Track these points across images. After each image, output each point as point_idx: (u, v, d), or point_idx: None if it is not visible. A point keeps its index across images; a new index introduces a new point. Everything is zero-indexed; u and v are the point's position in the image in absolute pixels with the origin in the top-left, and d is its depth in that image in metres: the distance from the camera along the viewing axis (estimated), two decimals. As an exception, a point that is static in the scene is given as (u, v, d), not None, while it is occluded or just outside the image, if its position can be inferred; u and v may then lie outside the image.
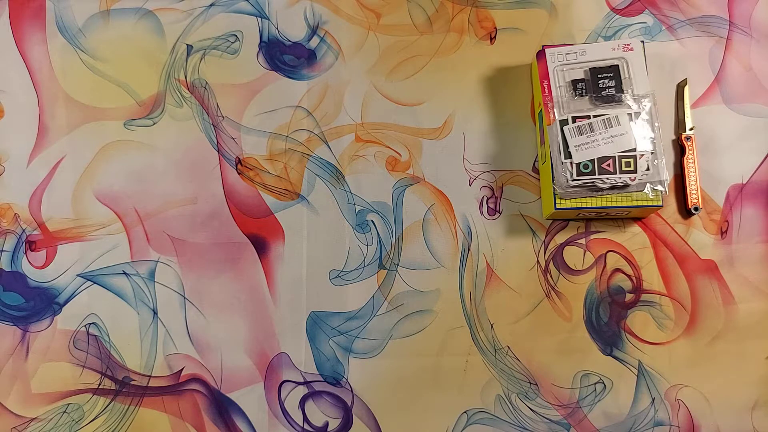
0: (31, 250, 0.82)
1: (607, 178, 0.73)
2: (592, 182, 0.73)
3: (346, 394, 0.79)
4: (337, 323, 0.80)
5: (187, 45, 0.85)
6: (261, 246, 0.81)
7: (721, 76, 0.82)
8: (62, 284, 0.81)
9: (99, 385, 0.79)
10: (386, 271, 0.80)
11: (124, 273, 0.81)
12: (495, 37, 0.84)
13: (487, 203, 0.81)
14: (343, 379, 0.79)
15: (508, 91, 0.83)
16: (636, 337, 0.78)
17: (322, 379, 0.79)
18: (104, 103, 0.84)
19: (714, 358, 0.78)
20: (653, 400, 0.77)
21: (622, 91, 0.75)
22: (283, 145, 0.83)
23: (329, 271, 0.81)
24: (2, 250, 0.82)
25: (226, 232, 0.81)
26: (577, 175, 0.74)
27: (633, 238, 0.80)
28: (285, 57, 0.85)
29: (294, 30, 0.85)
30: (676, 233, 0.79)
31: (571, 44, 0.79)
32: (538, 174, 0.81)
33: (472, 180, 0.81)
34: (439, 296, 0.80)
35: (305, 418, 0.79)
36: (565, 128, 0.74)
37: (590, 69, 0.75)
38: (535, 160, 0.81)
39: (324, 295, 0.80)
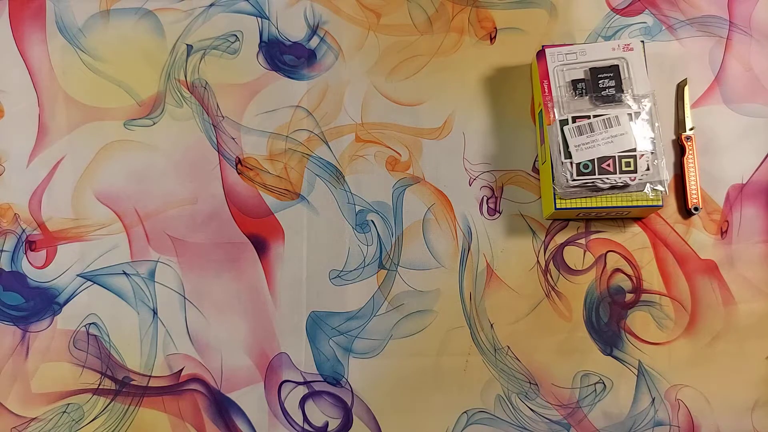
0: (31, 250, 0.82)
1: (607, 178, 0.73)
2: (592, 182, 0.73)
3: (346, 394, 0.79)
4: (337, 323, 0.80)
5: (187, 45, 0.85)
6: (261, 246, 0.81)
7: (721, 76, 0.82)
8: (62, 284, 0.81)
9: (99, 385, 0.79)
10: (386, 271, 0.80)
11: (124, 273, 0.81)
12: (495, 37, 0.84)
13: (487, 203, 0.81)
14: (343, 379, 0.79)
15: (508, 91, 0.83)
16: (636, 337, 0.78)
17: (322, 379, 0.79)
18: (104, 103, 0.84)
19: (714, 358, 0.78)
20: (653, 400, 0.77)
21: (622, 91, 0.75)
22: (283, 145, 0.83)
23: (329, 271, 0.81)
24: (2, 250, 0.82)
25: (226, 232, 0.81)
26: (577, 175, 0.74)
27: (633, 238, 0.80)
28: (285, 57, 0.85)
29: (294, 30, 0.85)
30: (676, 233, 0.79)
31: (571, 44, 0.79)
32: (538, 174, 0.81)
33: (472, 180, 0.81)
34: (439, 296, 0.80)
35: (305, 418, 0.79)
36: (565, 128, 0.74)
37: (590, 69, 0.75)
38: (535, 160, 0.81)
39: (324, 295, 0.80)
